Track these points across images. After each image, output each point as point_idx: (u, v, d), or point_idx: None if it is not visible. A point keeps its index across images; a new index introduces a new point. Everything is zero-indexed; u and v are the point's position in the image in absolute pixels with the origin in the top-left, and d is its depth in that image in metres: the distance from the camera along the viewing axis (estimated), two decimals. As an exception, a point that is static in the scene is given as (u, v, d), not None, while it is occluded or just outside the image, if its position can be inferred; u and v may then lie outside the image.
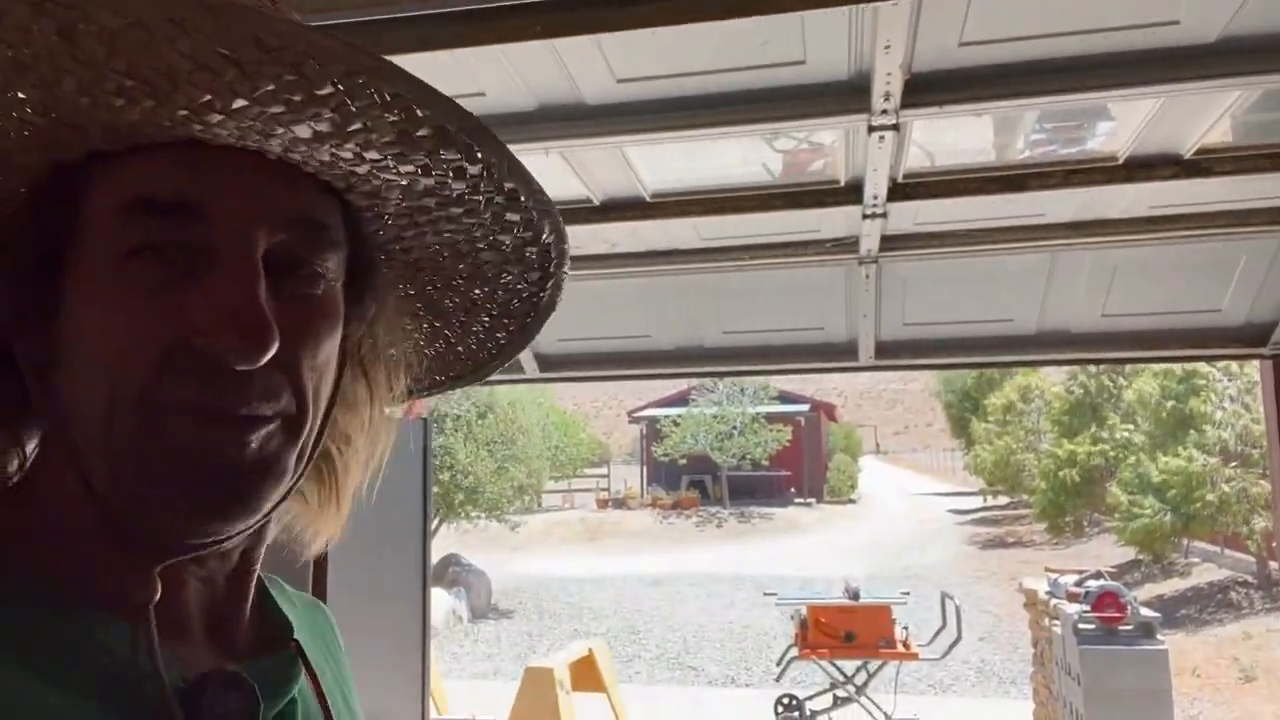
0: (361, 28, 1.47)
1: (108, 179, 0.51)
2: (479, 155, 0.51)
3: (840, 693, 6.32)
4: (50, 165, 0.52)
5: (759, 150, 2.28)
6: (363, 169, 0.52)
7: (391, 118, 0.48)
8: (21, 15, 0.42)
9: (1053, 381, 17.69)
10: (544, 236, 0.60)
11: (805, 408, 29.58)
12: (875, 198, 2.27)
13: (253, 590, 0.61)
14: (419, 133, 0.49)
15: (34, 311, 0.54)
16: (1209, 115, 1.96)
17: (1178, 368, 11.51)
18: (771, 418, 26.42)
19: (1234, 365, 11.08)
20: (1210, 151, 2.14)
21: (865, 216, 2.37)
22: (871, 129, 1.83)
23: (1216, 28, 1.59)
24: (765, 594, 8.24)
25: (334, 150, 0.50)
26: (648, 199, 2.42)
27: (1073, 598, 5.30)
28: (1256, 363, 3.14)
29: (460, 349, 0.73)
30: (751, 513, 24.78)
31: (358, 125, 0.48)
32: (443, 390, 0.78)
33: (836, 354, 3.27)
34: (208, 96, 0.46)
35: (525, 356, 3.27)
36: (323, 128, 0.48)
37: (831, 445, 31.76)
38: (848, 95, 1.79)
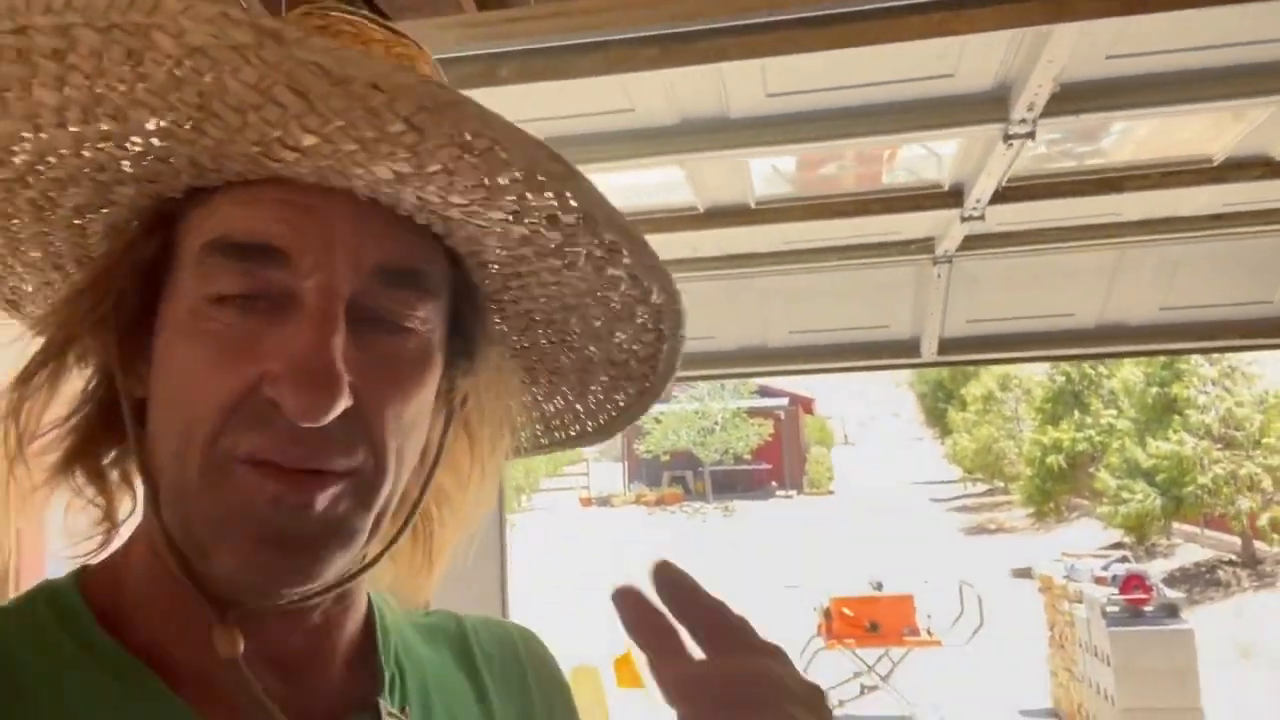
0: (556, 51, 1.52)
1: (199, 217, 0.50)
2: (573, 204, 0.48)
3: (866, 681, 6.44)
4: (151, 200, 0.52)
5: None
6: (453, 213, 0.49)
7: (471, 159, 0.44)
8: (93, 42, 0.42)
9: (1032, 371, 18.03)
10: (653, 297, 0.56)
11: (784, 401, 29.81)
12: (978, 201, 2.34)
13: (342, 648, 0.58)
14: (501, 178, 0.46)
15: (134, 352, 0.53)
16: (1310, 120, 2.06)
17: (1160, 354, 11.78)
18: (752, 412, 26.64)
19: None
20: (1300, 153, 2.24)
21: (965, 219, 2.45)
22: (1008, 137, 1.90)
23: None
24: (788, 587, 8.32)
25: (419, 193, 0.47)
26: (753, 205, 2.48)
27: (1100, 581, 5.47)
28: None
29: (579, 407, 0.69)
30: (735, 507, 24.95)
31: (436, 167, 0.45)
32: (561, 448, 0.74)
33: (900, 351, 3.35)
34: (277, 132, 0.44)
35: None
36: (401, 168, 0.45)
37: (807, 438, 32.06)
38: (989, 105, 1.86)
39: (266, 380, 0.47)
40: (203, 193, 0.50)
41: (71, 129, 0.47)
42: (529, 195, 0.47)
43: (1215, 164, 2.29)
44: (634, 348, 0.61)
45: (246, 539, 0.48)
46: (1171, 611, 5.16)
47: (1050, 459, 14.95)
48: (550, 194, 0.47)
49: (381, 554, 0.55)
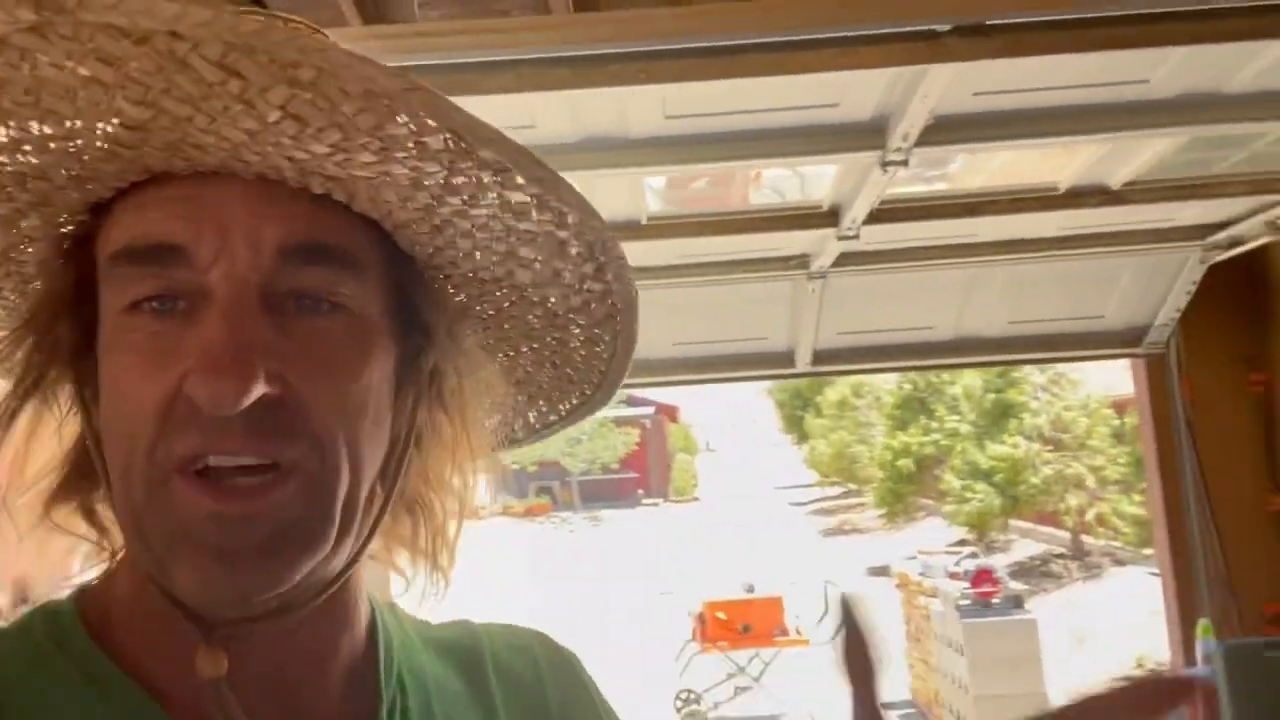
0: (466, 69, 1.53)
1: (104, 232, 0.50)
2: (430, 123, 0.44)
3: (740, 682, 6.62)
4: (59, 227, 0.51)
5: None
6: (329, 168, 0.46)
7: (305, 95, 0.42)
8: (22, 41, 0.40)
9: (884, 378, 19.01)
10: (569, 218, 0.52)
11: (650, 410, 30.22)
12: (854, 221, 2.49)
13: (339, 667, 0.56)
14: (345, 107, 0.43)
15: (95, 383, 0.52)
16: (1140, 156, 2.31)
17: (998, 363, 12.70)
18: (619, 421, 26.86)
19: (1044, 360, 12.34)
20: (1131, 184, 2.51)
21: (840, 238, 2.59)
22: (884, 164, 2.04)
23: (1177, 88, 1.91)
24: (661, 593, 8.45)
25: (284, 153, 0.45)
26: (644, 222, 2.54)
27: (953, 576, 5.84)
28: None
29: (569, 371, 0.66)
30: (603, 516, 25.06)
31: (276, 114, 0.43)
32: (577, 418, 0.72)
33: (777, 362, 3.50)
34: (111, 115, 0.43)
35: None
36: (245, 124, 0.43)
37: (672, 446, 32.60)
38: (869, 134, 1.99)
39: (186, 379, 0.46)
40: (104, 207, 0.50)
41: None
42: (384, 125, 0.43)
43: (1059, 192, 2.52)
44: (585, 286, 0.57)
45: (197, 555, 0.46)
46: (1017, 602, 5.59)
47: (900, 462, 15.82)
48: (404, 117, 0.43)
49: (359, 553, 0.53)
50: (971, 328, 3.40)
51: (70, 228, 0.52)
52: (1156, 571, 3.75)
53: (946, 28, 1.54)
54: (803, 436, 26.90)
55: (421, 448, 0.58)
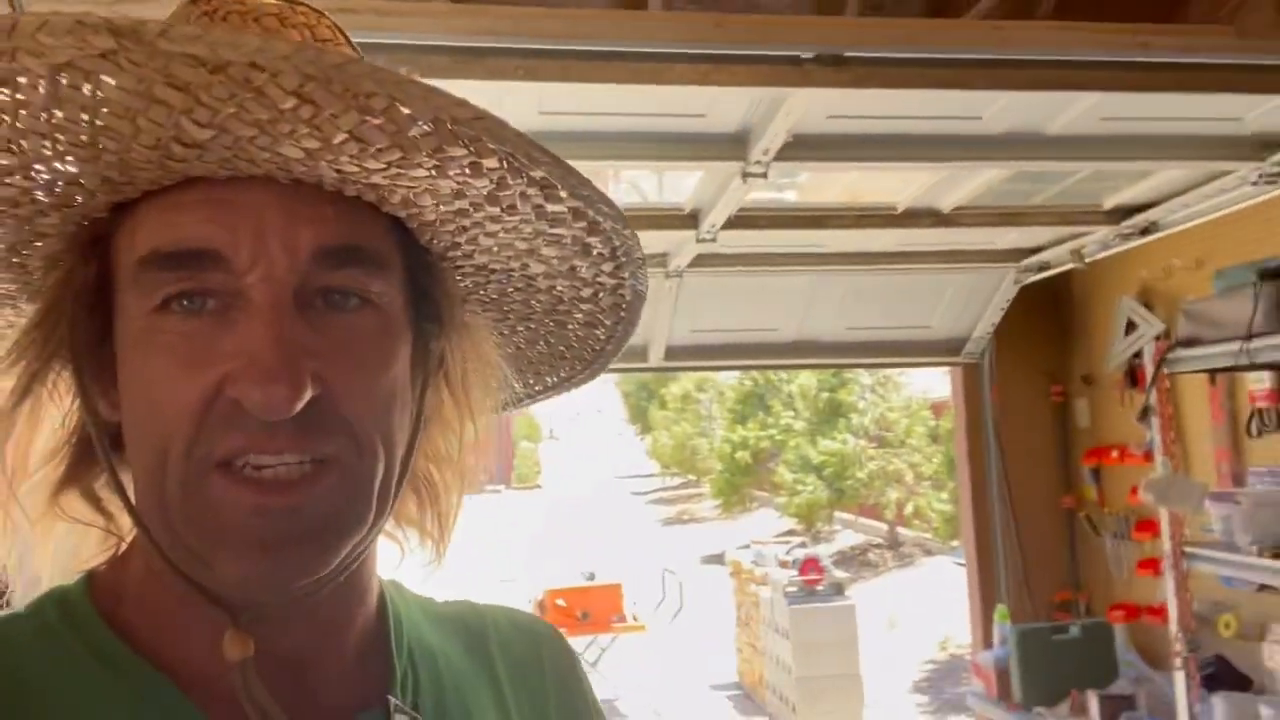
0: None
1: (128, 233, 0.49)
2: (491, 147, 0.45)
3: (576, 668, 6.73)
4: (78, 225, 0.51)
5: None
6: (377, 179, 0.48)
7: (374, 121, 0.43)
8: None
9: (726, 374, 19.65)
10: (603, 225, 0.54)
11: (494, 396, 29.89)
12: (713, 226, 2.60)
13: (353, 642, 0.57)
14: (411, 133, 0.44)
15: (102, 377, 0.52)
16: (969, 184, 2.54)
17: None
18: (463, 406, 26.45)
19: (873, 362, 13.13)
20: (960, 209, 2.74)
21: (699, 240, 2.70)
22: (745, 175, 2.15)
23: (1004, 126, 2.11)
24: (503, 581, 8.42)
25: (335, 166, 0.46)
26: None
27: (783, 564, 6.16)
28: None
29: (563, 348, 0.69)
30: (442, 502, 24.63)
31: (342, 136, 0.44)
32: (555, 394, 0.75)
33: (631, 356, 3.58)
34: (171, 132, 0.43)
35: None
36: (308, 144, 0.44)
37: (515, 433, 32.41)
38: (732, 145, 2.10)
39: (228, 381, 0.46)
40: (127, 207, 0.49)
41: None
42: (445, 147, 0.45)
43: (897, 212, 2.73)
44: (599, 280, 0.60)
45: (241, 548, 0.47)
46: (839, 589, 5.96)
47: (738, 455, 16.42)
48: (465, 142, 0.45)
49: (373, 530, 0.53)
50: (813, 331, 3.62)
51: (86, 224, 0.51)
52: (962, 561, 4.12)
53: (810, 56, 1.66)
54: (647, 428, 27.40)
55: (426, 427, 0.59)
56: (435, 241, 0.56)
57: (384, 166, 0.46)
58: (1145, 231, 2.73)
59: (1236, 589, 2.74)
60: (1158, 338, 2.77)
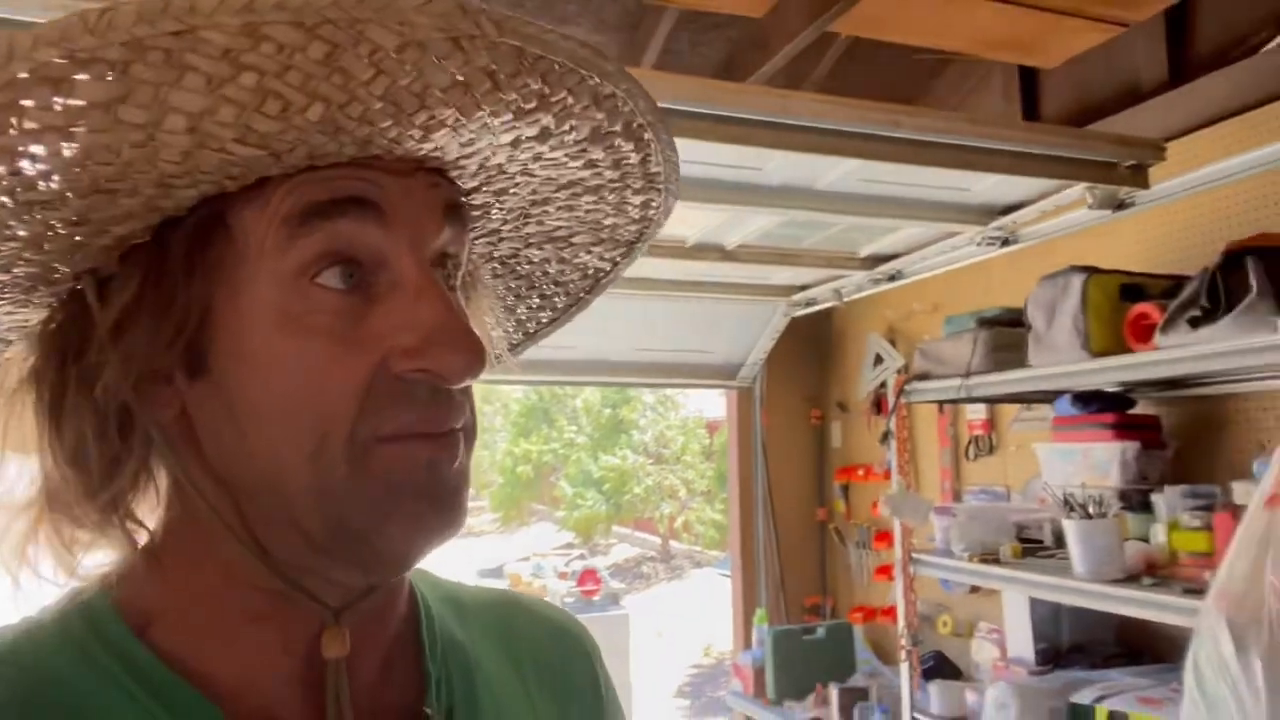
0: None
1: (260, 203, 0.46)
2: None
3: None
4: (179, 203, 0.46)
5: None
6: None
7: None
8: (291, 39, 0.38)
9: (511, 388, 19.63)
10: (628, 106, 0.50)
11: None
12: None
13: (387, 639, 0.55)
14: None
15: (172, 370, 0.48)
16: (750, 225, 2.81)
17: (616, 381, 13.82)
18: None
19: (655, 381, 13.68)
20: (741, 246, 3.02)
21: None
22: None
23: (781, 179, 2.38)
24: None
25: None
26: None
27: (562, 576, 6.29)
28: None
29: (566, 269, 0.67)
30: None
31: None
32: (558, 321, 0.74)
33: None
34: (451, 113, 0.44)
35: None
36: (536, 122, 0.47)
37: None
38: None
39: (396, 356, 0.46)
40: (255, 187, 0.46)
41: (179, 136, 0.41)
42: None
43: (687, 245, 2.95)
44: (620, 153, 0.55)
45: (413, 508, 0.47)
46: (615, 599, 6.18)
47: (520, 469, 16.46)
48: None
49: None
50: (605, 351, 3.80)
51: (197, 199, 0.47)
52: (727, 573, 4.43)
53: (618, 101, 1.80)
54: (425, 438, 26.76)
55: None
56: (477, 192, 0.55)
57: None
58: (893, 278, 3.12)
59: (953, 592, 3.18)
60: (899, 371, 3.17)
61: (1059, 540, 2.27)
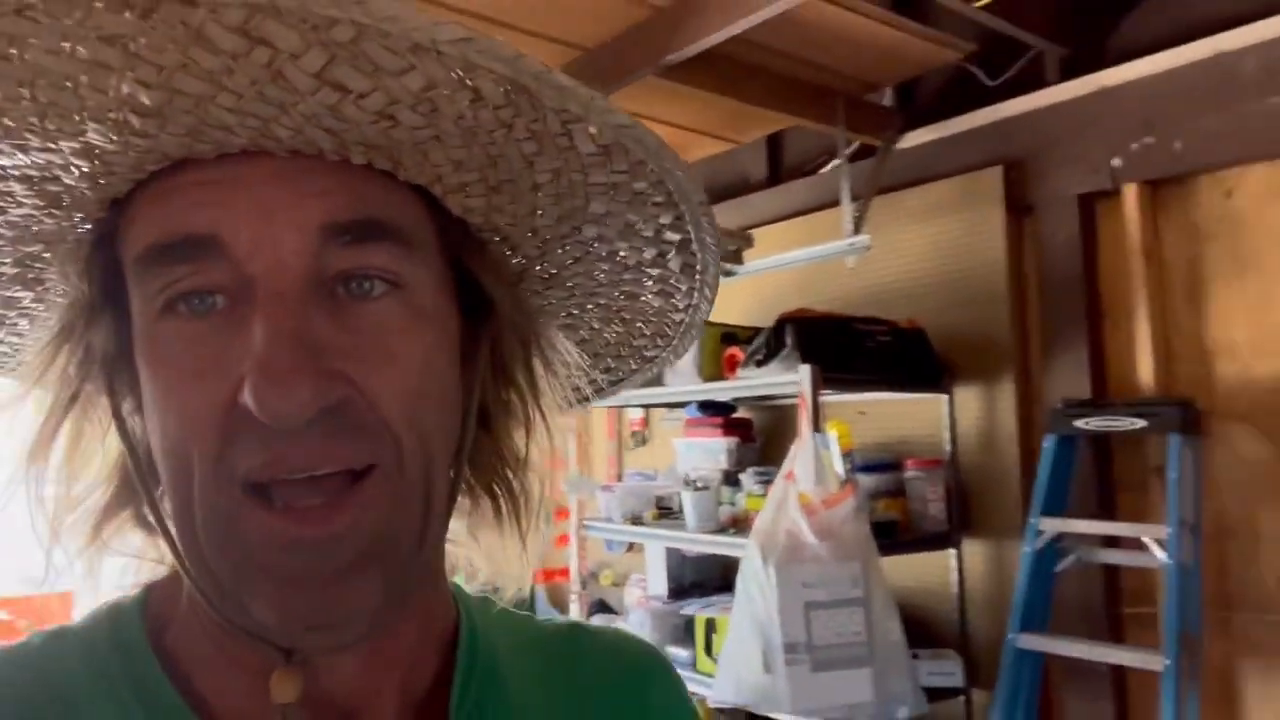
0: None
1: (124, 231, 0.44)
2: (525, 96, 0.39)
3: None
4: (88, 225, 0.45)
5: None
6: (384, 138, 0.41)
7: (392, 65, 0.37)
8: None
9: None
10: (667, 184, 0.47)
11: None
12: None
13: (416, 675, 0.52)
14: (445, 87, 0.39)
15: (134, 395, 0.47)
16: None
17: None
18: None
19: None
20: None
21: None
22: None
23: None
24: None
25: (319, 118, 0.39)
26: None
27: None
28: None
29: (640, 324, 0.62)
30: None
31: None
32: (642, 373, 0.68)
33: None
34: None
35: None
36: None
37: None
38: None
39: (240, 388, 0.40)
40: (122, 202, 0.44)
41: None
42: (437, 84, 0.38)
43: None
44: (662, 236, 0.52)
45: (273, 587, 0.41)
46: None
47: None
48: (460, 72, 0.38)
49: (424, 549, 0.47)
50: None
51: (88, 227, 0.46)
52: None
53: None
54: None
55: (491, 424, 0.54)
56: (470, 212, 0.49)
57: (372, 118, 0.40)
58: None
59: (614, 552, 4.11)
60: (579, 381, 4.01)
61: (683, 507, 3.22)
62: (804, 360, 2.55)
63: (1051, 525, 2.41)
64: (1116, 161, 2.59)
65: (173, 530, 0.46)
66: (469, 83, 0.39)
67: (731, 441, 3.33)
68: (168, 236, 0.42)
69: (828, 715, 2.28)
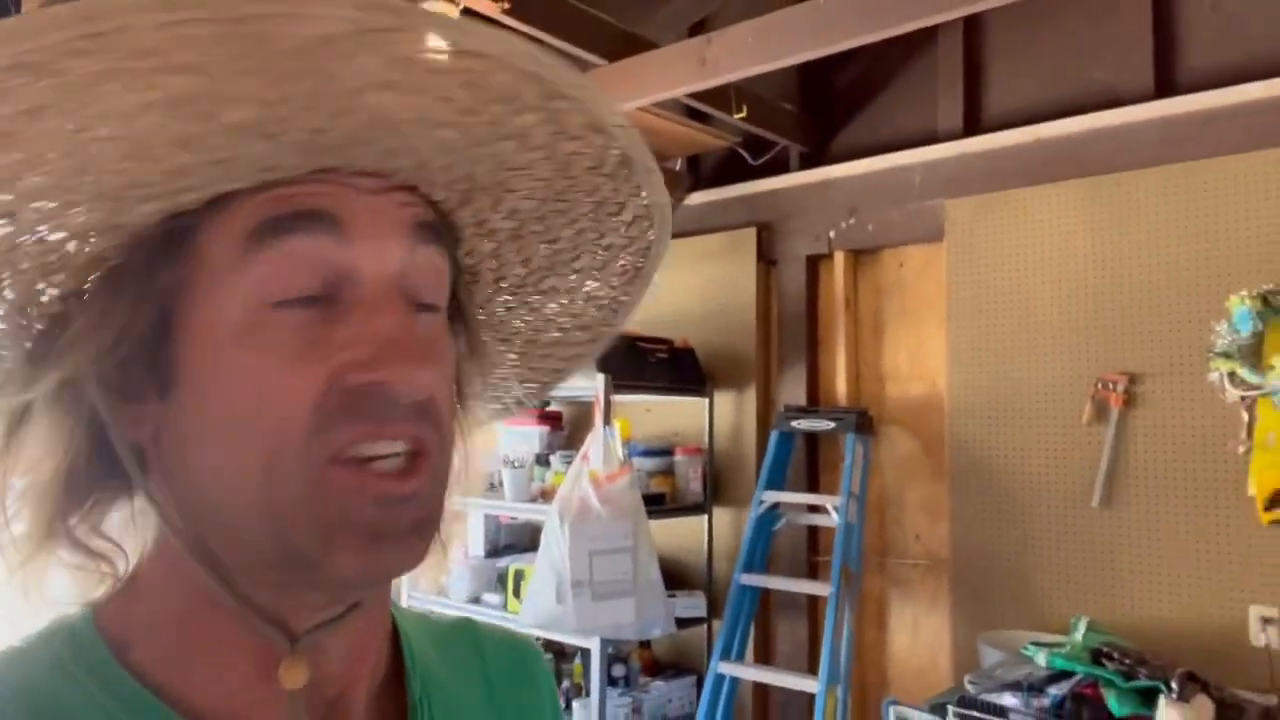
0: None
1: (223, 217, 0.46)
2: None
3: None
4: (150, 221, 0.46)
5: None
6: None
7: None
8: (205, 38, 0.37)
9: None
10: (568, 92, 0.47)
11: None
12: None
13: (371, 670, 0.55)
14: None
15: (144, 389, 0.48)
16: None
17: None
18: None
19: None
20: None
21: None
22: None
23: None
24: None
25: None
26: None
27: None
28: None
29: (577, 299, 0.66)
30: None
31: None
32: (580, 359, 0.71)
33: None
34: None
35: None
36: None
37: None
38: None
39: (351, 369, 0.45)
40: (223, 205, 0.46)
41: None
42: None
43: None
44: (600, 188, 0.56)
45: (363, 542, 0.46)
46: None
47: None
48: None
49: None
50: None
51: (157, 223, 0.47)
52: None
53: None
54: None
55: None
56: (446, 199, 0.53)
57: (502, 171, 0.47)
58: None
59: (441, 521, 4.76)
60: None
61: (503, 482, 3.95)
62: (600, 369, 3.36)
63: (770, 496, 3.35)
64: (832, 234, 3.57)
65: (203, 515, 0.48)
66: (614, 151, 0.49)
67: (544, 430, 4.09)
68: (286, 208, 0.46)
69: (602, 633, 3.11)
